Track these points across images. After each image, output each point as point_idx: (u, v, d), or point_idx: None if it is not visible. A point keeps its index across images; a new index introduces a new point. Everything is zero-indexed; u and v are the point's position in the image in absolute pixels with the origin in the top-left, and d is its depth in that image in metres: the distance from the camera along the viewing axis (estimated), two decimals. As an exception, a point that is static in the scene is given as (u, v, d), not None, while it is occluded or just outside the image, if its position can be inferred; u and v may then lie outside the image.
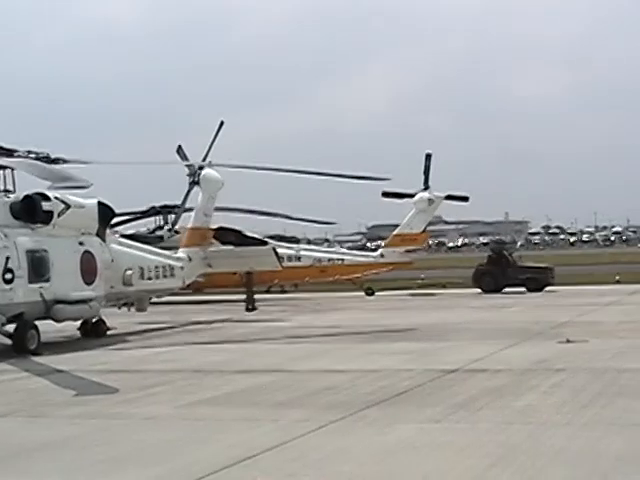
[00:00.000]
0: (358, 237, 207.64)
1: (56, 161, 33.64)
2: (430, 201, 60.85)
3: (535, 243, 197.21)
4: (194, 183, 46.76)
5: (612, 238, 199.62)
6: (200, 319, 42.90)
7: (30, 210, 32.05)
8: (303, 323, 38.91)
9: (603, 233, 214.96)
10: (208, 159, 46.39)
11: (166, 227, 58.77)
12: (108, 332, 36.08)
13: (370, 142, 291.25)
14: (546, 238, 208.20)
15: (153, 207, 59.06)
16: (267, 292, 62.16)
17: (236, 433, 15.72)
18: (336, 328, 35.55)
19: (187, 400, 19.49)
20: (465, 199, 63.89)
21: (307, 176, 44.77)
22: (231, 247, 51.94)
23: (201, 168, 45.37)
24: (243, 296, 51.76)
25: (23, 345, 30.08)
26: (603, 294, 52.38)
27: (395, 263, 61.18)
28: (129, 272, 36.84)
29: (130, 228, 57.76)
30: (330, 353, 27.84)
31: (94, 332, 35.53)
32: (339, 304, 52.04)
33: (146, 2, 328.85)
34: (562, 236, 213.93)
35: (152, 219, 60.24)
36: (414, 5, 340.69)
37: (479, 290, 57.12)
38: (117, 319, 38.19)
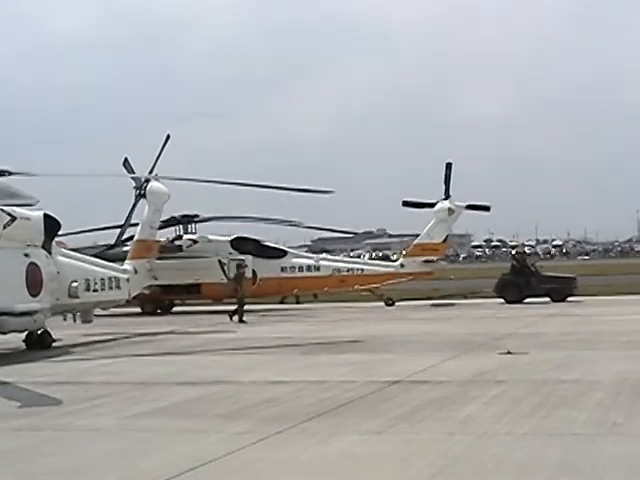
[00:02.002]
0: (303, 250, 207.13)
1: (1, 173, 33.47)
2: (450, 211, 59.53)
3: (478, 256, 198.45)
4: (140, 196, 46.75)
5: (552, 251, 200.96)
6: (145, 331, 42.79)
7: (-25, 223, 32.00)
8: (250, 334, 38.87)
9: (544, 246, 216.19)
10: (155, 172, 46.36)
11: (185, 237, 58.86)
12: (53, 344, 35.87)
13: (320, 153, 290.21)
14: (487, 251, 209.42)
15: (173, 217, 58.76)
16: (297, 302, 62.22)
17: (180, 444, 15.66)
18: (283, 339, 35.50)
19: (131, 412, 19.42)
20: (487, 209, 62.70)
21: (254, 189, 44.83)
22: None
23: (147, 181, 45.39)
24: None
25: (-32, 357, 29.92)
26: (547, 306, 52.74)
27: (415, 273, 60.08)
28: (75, 284, 36.74)
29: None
30: (274, 364, 27.79)
31: (39, 344, 35.23)
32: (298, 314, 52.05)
33: (95, 15, 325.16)
34: (504, 249, 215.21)
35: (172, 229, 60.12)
36: (370, 21, 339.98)
37: (502, 300, 56.33)
38: (63, 330, 38.00)
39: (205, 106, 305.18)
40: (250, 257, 55.24)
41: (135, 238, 45.51)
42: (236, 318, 47.83)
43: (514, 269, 58.50)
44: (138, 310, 57.24)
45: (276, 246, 61.81)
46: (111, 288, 40.10)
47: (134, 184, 47.86)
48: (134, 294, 43.50)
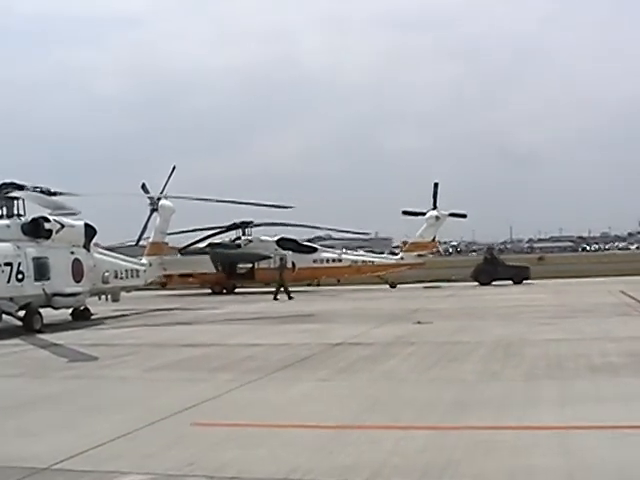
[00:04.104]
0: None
1: (55, 194, 33.52)
2: (437, 218, 59.04)
3: (396, 253, 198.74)
4: (154, 210, 46.79)
5: (450, 250, 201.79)
6: (158, 307, 42.66)
7: (36, 229, 32.09)
8: (233, 310, 38.78)
9: (444, 246, 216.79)
10: (164, 193, 46.31)
11: (243, 237, 58.82)
12: (92, 316, 35.91)
13: (285, 179, 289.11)
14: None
15: (234, 223, 58.69)
16: (318, 285, 60.49)
17: (184, 389, 15.71)
18: (256, 314, 35.52)
19: (149, 365, 19.41)
20: (464, 216, 61.45)
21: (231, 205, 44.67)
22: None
23: (159, 199, 45.52)
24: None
25: (30, 326, 29.88)
26: (443, 289, 52.95)
27: (412, 264, 59.46)
28: (107, 273, 36.84)
29: (216, 239, 58.68)
30: (250, 332, 27.74)
31: (81, 317, 35.41)
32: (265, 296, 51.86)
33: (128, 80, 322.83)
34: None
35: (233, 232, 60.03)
36: (328, 77, 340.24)
37: (476, 283, 56.01)
38: (98, 307, 37.88)
39: (203, 145, 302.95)
40: (290, 252, 55.38)
41: (150, 240, 45.52)
42: (280, 297, 46.80)
43: (486, 260, 58.39)
44: (209, 290, 57.35)
45: (309, 244, 60.91)
46: (132, 276, 40.13)
47: (149, 202, 47.86)
48: (149, 281, 43.60)
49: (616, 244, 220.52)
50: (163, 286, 59.53)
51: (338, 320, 30.84)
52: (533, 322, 26.92)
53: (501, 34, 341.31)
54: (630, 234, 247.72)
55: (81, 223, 34.72)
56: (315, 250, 59.35)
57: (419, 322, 28.06)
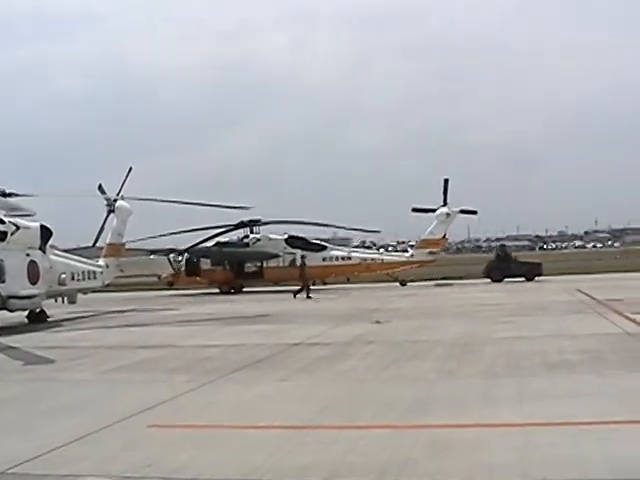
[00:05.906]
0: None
1: (9, 195, 33.26)
2: (448, 215, 58.68)
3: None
4: (111, 211, 46.42)
5: (408, 249, 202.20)
6: (113, 309, 42.39)
7: (-10, 231, 31.82)
8: (189, 311, 38.65)
9: (403, 245, 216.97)
10: (121, 194, 46.00)
11: (251, 236, 58.03)
12: (48, 319, 35.62)
13: (250, 178, 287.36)
14: (363, 249, 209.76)
15: (242, 221, 57.58)
16: (324, 283, 59.22)
17: (139, 391, 15.61)
18: (215, 315, 35.41)
19: (105, 368, 19.26)
20: (475, 212, 61.21)
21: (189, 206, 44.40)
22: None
23: (115, 200, 45.19)
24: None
25: (-16, 329, 29.68)
26: (402, 289, 53.06)
27: (422, 261, 58.92)
28: (63, 275, 36.70)
29: (225, 237, 58.50)
30: (207, 333, 27.68)
31: (37, 319, 35.11)
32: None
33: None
34: (374, 248, 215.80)
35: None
36: (287, 77, 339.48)
37: (489, 280, 55.87)
38: (54, 309, 37.60)
39: (163, 143, 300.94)
40: (299, 251, 54.78)
41: (107, 242, 45.16)
42: (299, 296, 46.24)
43: (498, 257, 58.16)
44: (217, 290, 56.75)
45: (318, 242, 60.03)
46: (89, 278, 40.02)
47: (106, 203, 47.46)
48: (107, 283, 43.35)
49: (573, 243, 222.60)
50: (170, 286, 59.15)
51: (295, 320, 30.81)
52: (491, 320, 27.09)
53: (467, 29, 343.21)
54: (586, 233, 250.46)
55: (37, 225, 34.49)
56: (324, 248, 58.65)
57: (377, 321, 28.09)
